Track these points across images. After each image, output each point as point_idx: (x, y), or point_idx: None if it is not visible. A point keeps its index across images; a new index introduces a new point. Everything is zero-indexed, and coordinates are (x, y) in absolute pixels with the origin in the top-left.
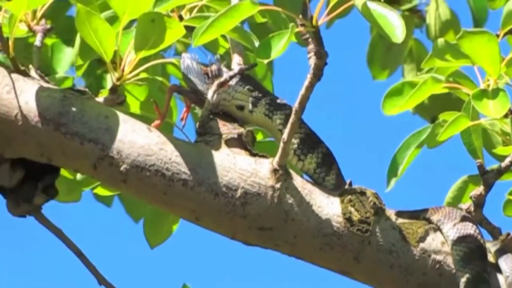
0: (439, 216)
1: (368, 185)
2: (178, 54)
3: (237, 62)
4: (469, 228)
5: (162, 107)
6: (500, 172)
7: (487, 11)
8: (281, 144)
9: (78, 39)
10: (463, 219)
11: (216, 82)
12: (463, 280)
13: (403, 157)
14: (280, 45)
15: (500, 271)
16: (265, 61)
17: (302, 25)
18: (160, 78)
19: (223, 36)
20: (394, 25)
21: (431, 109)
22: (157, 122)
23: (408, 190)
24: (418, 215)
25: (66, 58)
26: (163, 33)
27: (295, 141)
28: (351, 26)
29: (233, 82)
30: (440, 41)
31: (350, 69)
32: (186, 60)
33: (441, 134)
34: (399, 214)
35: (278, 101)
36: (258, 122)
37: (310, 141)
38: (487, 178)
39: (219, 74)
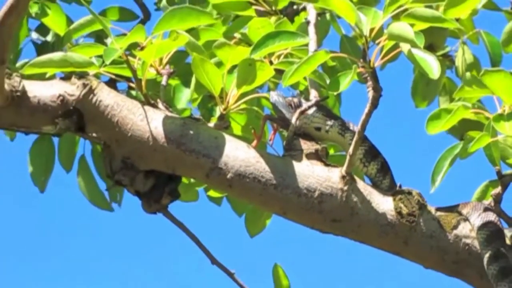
0: (468, 209)
1: (413, 187)
2: (269, 90)
3: (314, 95)
4: (490, 216)
5: (258, 131)
6: None
7: (501, 55)
8: (348, 157)
9: (194, 79)
10: (486, 210)
11: (298, 111)
12: (486, 256)
13: (442, 166)
14: (346, 81)
15: None
16: (335, 93)
17: (362, 67)
18: (256, 108)
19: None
20: (432, 65)
21: (460, 129)
22: (254, 142)
23: (444, 191)
24: (452, 209)
25: (184, 95)
26: (257, 74)
27: (360, 152)
28: (399, 67)
29: (311, 110)
30: (468, 74)
31: (399, 100)
32: (274, 96)
33: (471, 147)
34: (438, 209)
35: (347, 122)
36: (332, 139)
37: (371, 153)
38: (504, 180)
39: (299, 104)
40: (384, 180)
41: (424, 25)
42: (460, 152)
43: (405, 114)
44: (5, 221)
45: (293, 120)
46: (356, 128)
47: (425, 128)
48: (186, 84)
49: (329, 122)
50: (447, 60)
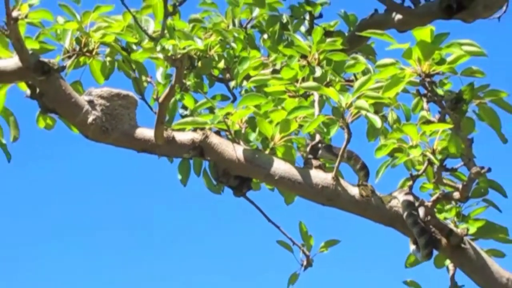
0: (396, 193)
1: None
2: (295, 134)
3: (318, 137)
4: (409, 196)
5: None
6: (418, 175)
7: (411, 115)
8: (335, 168)
9: (257, 129)
10: (407, 193)
11: (309, 145)
12: (405, 215)
13: (381, 169)
14: (334, 130)
15: (418, 213)
16: (328, 137)
17: (342, 122)
18: (289, 144)
19: None
20: (377, 121)
21: (393, 153)
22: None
23: (385, 185)
24: (390, 194)
25: (253, 137)
26: (290, 126)
27: (351, 161)
28: (362, 121)
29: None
30: (394, 126)
31: (361, 138)
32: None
33: (398, 161)
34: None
35: (336, 150)
36: (331, 160)
37: (355, 158)
38: (413, 178)
39: (312, 142)
40: (361, 171)
41: (372, 101)
42: (391, 164)
43: (365, 145)
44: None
45: (307, 150)
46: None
47: (374, 154)
48: (254, 131)
49: (330, 156)
50: (384, 118)
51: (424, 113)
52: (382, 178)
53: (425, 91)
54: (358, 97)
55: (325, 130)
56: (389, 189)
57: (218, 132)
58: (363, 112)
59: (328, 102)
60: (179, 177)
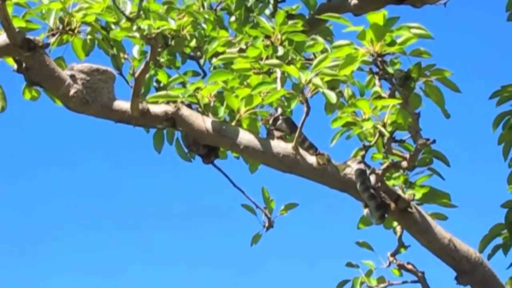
0: (351, 161)
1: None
2: (260, 107)
3: (279, 110)
4: (361, 165)
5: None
6: (370, 146)
7: (365, 91)
8: (295, 138)
9: (225, 103)
10: (359, 162)
11: (272, 117)
12: (358, 182)
13: (336, 136)
14: (294, 103)
15: (370, 180)
16: (289, 110)
17: (301, 97)
18: (253, 116)
19: None
20: (332, 96)
21: (348, 126)
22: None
23: (340, 153)
24: (345, 162)
25: (221, 110)
26: (254, 101)
27: (300, 140)
28: (319, 96)
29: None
30: (350, 101)
31: (320, 112)
32: (270, 111)
33: (352, 133)
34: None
35: (294, 126)
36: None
37: (303, 138)
38: (366, 148)
39: (274, 114)
40: (310, 150)
41: (329, 78)
42: (347, 136)
43: (323, 118)
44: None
45: (270, 122)
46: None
47: (330, 124)
48: (222, 105)
49: (287, 127)
50: (340, 93)
51: (376, 89)
52: (337, 149)
53: (377, 70)
54: (317, 74)
55: (286, 103)
56: (344, 159)
57: (189, 105)
58: (320, 89)
59: (289, 78)
60: (154, 145)
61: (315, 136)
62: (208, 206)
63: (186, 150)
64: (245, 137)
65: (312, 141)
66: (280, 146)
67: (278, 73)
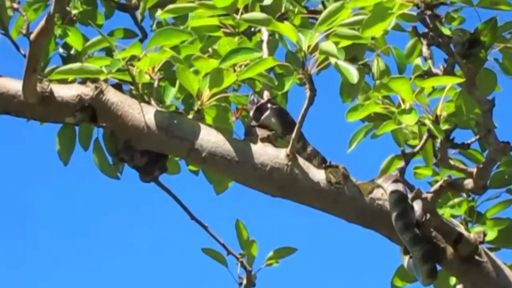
0: (381, 180)
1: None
2: (234, 90)
3: (266, 94)
4: (399, 185)
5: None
6: (413, 154)
7: (405, 64)
8: (291, 141)
9: (178, 83)
10: (395, 180)
11: (254, 107)
12: (394, 214)
13: (357, 137)
14: (289, 83)
15: (413, 209)
16: (280, 92)
17: (302, 73)
18: (223, 104)
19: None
20: (352, 73)
21: (375, 120)
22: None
23: (362, 165)
24: (372, 180)
25: (171, 95)
26: (224, 79)
27: (298, 144)
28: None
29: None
30: (378, 82)
31: (329, 97)
32: (251, 96)
33: (379, 130)
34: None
35: (290, 121)
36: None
37: (303, 143)
38: (406, 157)
39: (257, 101)
40: (314, 159)
41: (347, 42)
42: (372, 134)
43: (333, 107)
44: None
45: (251, 113)
46: (297, 121)
47: (345, 117)
48: (173, 85)
49: (279, 122)
50: (366, 68)
51: (423, 63)
52: (359, 158)
53: (426, 30)
54: (327, 36)
55: (276, 83)
56: (368, 174)
57: (117, 86)
58: (332, 60)
59: (283, 43)
60: (58, 151)
61: (323, 138)
62: (148, 249)
63: (111, 160)
64: (210, 138)
65: (318, 147)
66: (267, 153)
67: (264, 34)
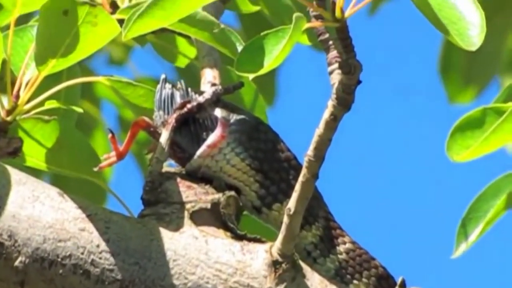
0: None
1: None
2: (114, 64)
3: (209, 80)
4: None
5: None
6: None
7: None
8: (285, 219)
9: None
10: None
11: (175, 115)
12: None
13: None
14: (278, 49)
15: None
16: (252, 76)
17: (318, 16)
18: (79, 110)
19: (187, 38)
20: (468, 20)
21: None
22: (109, 162)
23: None
24: None
25: None
26: (82, 32)
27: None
28: (402, 13)
29: (209, 116)
30: None
31: (406, 88)
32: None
33: None
34: None
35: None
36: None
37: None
38: None
39: (182, 103)
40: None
41: None
42: None
43: (420, 116)
44: None
45: (163, 138)
46: (306, 155)
47: (446, 151)
48: None
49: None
50: None
51: None
52: None
53: None
54: None
55: (239, 48)
56: None
57: None
58: None
59: None
60: None
61: None
62: None
63: None
64: (39, 211)
65: None
66: (212, 259)
67: None
